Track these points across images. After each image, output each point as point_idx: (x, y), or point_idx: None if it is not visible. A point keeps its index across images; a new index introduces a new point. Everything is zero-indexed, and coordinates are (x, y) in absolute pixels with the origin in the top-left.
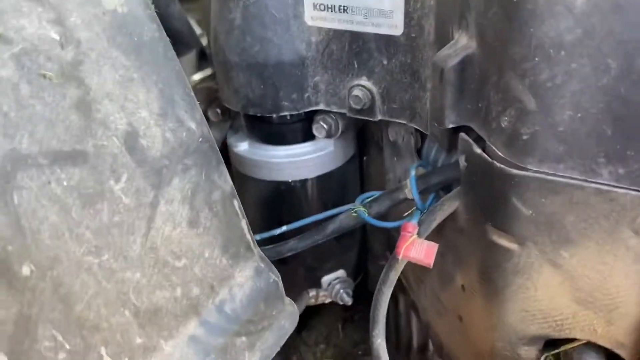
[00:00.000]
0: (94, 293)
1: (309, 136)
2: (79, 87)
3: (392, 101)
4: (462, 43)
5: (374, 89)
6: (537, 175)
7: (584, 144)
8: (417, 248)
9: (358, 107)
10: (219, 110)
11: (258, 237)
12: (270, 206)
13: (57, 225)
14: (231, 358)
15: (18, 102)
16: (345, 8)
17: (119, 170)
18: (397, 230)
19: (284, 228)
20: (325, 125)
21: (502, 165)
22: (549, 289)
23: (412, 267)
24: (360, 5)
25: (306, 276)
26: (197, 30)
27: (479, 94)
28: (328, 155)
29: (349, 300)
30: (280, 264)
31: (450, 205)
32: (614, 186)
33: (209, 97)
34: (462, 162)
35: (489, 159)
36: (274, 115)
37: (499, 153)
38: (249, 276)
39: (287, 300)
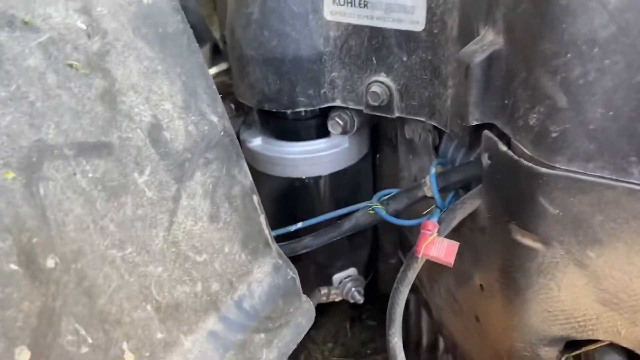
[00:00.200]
0: (117, 287)
1: (323, 133)
2: (104, 77)
3: (410, 98)
4: (489, 39)
5: (393, 86)
6: (566, 174)
7: (615, 143)
8: (437, 247)
9: (376, 103)
10: (232, 106)
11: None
12: (283, 203)
13: (82, 217)
14: (249, 355)
15: (45, 92)
16: (366, 3)
17: (143, 163)
18: (410, 229)
19: (300, 225)
20: (340, 122)
21: (529, 164)
22: (573, 290)
23: (426, 266)
24: (381, 0)
25: (317, 274)
26: None
27: (505, 91)
28: (343, 152)
29: (360, 299)
30: (292, 261)
31: (471, 203)
32: None
33: (223, 92)
34: (486, 160)
35: (515, 157)
36: (289, 111)
37: (526, 151)
38: (267, 272)
39: (304, 297)
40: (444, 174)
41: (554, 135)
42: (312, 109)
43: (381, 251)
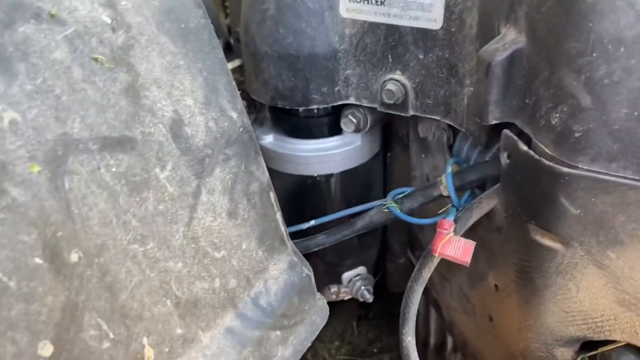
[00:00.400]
0: (138, 282)
1: (335, 130)
2: (128, 72)
3: (426, 96)
4: (511, 37)
5: (408, 84)
6: (588, 174)
7: (639, 143)
8: (453, 246)
9: (391, 101)
10: (244, 103)
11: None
12: (294, 200)
13: (106, 212)
14: (265, 352)
15: (70, 86)
16: (382, 0)
17: (165, 158)
18: (421, 228)
19: (313, 222)
20: (354, 120)
21: (550, 163)
22: (591, 290)
23: (437, 266)
24: None
25: (327, 272)
26: None
27: (527, 90)
28: (355, 150)
29: (370, 298)
30: None
31: (488, 202)
32: None
33: None
34: (504, 159)
35: (536, 157)
36: (301, 109)
37: (547, 150)
38: (283, 269)
39: (318, 295)
40: (460, 172)
41: (577, 135)
42: (326, 106)
43: (389, 251)
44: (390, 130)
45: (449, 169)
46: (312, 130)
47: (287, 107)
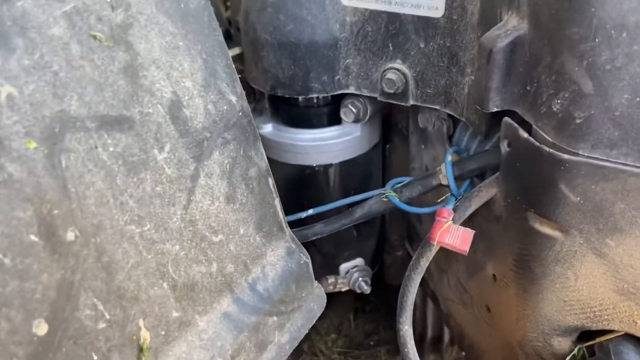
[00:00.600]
0: (135, 263)
1: (335, 120)
2: (127, 51)
3: (426, 86)
4: (513, 24)
5: (409, 73)
6: (589, 160)
7: None
8: (452, 234)
9: (391, 90)
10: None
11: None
12: (293, 190)
13: (102, 191)
14: (262, 337)
15: (68, 62)
16: None
17: (163, 139)
18: (419, 219)
19: (311, 211)
20: (354, 109)
21: (551, 150)
22: (590, 279)
23: (435, 257)
24: None
25: (324, 263)
26: None
27: (528, 77)
28: (354, 141)
29: (367, 289)
30: None
31: (487, 191)
32: None
33: None
34: (505, 147)
35: (537, 144)
36: (301, 98)
37: (548, 138)
38: (280, 256)
39: (315, 283)
40: (460, 162)
41: (578, 121)
42: (325, 95)
43: (388, 243)
44: (390, 121)
45: (449, 158)
46: (312, 120)
47: (287, 96)
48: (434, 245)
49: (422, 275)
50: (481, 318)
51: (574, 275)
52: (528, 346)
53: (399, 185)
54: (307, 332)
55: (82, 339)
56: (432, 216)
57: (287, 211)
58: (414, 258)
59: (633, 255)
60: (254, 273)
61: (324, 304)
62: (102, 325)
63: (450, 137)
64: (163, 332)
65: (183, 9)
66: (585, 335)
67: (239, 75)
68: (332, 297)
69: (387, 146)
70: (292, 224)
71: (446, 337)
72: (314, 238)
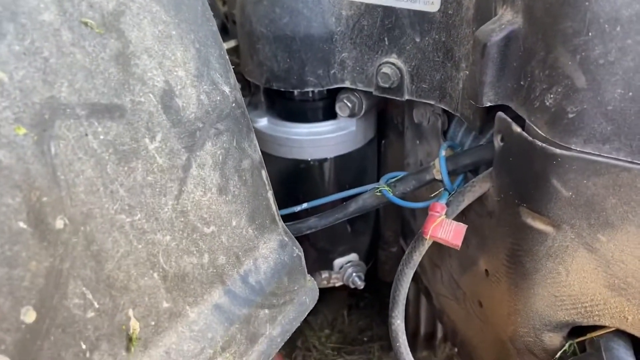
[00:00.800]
0: (125, 252)
1: (330, 115)
2: (119, 39)
3: (421, 80)
4: (507, 18)
5: (404, 67)
6: (581, 155)
7: (633, 124)
8: (445, 229)
9: (386, 85)
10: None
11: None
12: (287, 184)
13: (92, 179)
14: (253, 329)
15: (59, 49)
16: None
17: (154, 129)
18: (414, 215)
19: (305, 205)
20: (349, 104)
21: (543, 145)
22: (581, 274)
23: (428, 253)
24: None
25: (318, 258)
26: None
27: (522, 72)
28: (349, 135)
29: (361, 284)
30: None
31: (480, 186)
32: None
33: None
34: (498, 142)
35: (529, 138)
36: (296, 92)
37: (540, 132)
38: (273, 249)
39: (308, 276)
40: (454, 157)
41: (570, 116)
42: (321, 89)
43: (382, 239)
44: (385, 117)
45: (443, 153)
46: (307, 114)
47: (282, 89)
48: (426, 239)
49: (414, 269)
50: (473, 313)
51: (565, 271)
52: (519, 341)
53: (393, 179)
54: (299, 325)
55: (70, 327)
56: (426, 212)
57: (282, 205)
58: (406, 252)
59: (624, 250)
60: (245, 265)
61: (317, 298)
62: (91, 314)
63: (444, 133)
64: (153, 323)
65: None
66: (576, 331)
67: (234, 68)
68: (325, 292)
69: (382, 141)
70: (286, 218)
71: (439, 334)
72: (308, 232)
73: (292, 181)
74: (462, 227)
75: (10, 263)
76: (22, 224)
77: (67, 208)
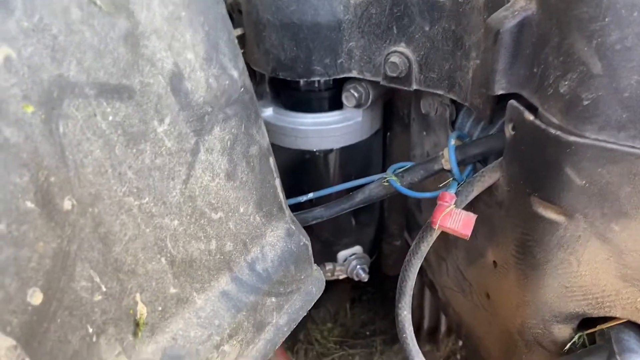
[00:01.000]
0: (133, 236)
1: (336, 105)
2: (128, 18)
3: (430, 70)
4: (520, 4)
5: (412, 57)
6: (596, 143)
7: None
8: (454, 218)
9: (394, 74)
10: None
11: None
12: (292, 175)
13: (101, 161)
14: (260, 317)
15: (68, 26)
16: None
17: (163, 111)
18: (419, 208)
19: (311, 195)
20: (355, 94)
21: (557, 132)
22: (593, 264)
23: (434, 246)
24: None
25: (322, 250)
26: None
27: (535, 59)
28: (355, 126)
29: (365, 277)
30: None
31: (490, 176)
32: None
33: None
34: (509, 130)
35: (543, 126)
36: (302, 82)
37: (554, 120)
38: (280, 237)
39: (315, 266)
40: (463, 146)
41: (585, 103)
42: (327, 79)
43: (386, 232)
44: (391, 109)
45: (452, 142)
46: (313, 104)
47: (288, 79)
48: (435, 229)
49: (422, 260)
50: (480, 306)
51: (577, 261)
52: (528, 333)
53: (400, 170)
54: (305, 314)
55: (77, 310)
56: (432, 204)
57: (286, 196)
58: (414, 242)
59: (638, 240)
60: (253, 253)
61: (323, 287)
62: (98, 297)
63: (452, 123)
64: (160, 308)
65: None
66: (586, 322)
67: None
68: (328, 286)
69: (388, 134)
70: (292, 208)
71: (442, 328)
72: (314, 222)
73: (297, 172)
74: (472, 217)
75: (17, 243)
76: (29, 204)
77: (75, 189)
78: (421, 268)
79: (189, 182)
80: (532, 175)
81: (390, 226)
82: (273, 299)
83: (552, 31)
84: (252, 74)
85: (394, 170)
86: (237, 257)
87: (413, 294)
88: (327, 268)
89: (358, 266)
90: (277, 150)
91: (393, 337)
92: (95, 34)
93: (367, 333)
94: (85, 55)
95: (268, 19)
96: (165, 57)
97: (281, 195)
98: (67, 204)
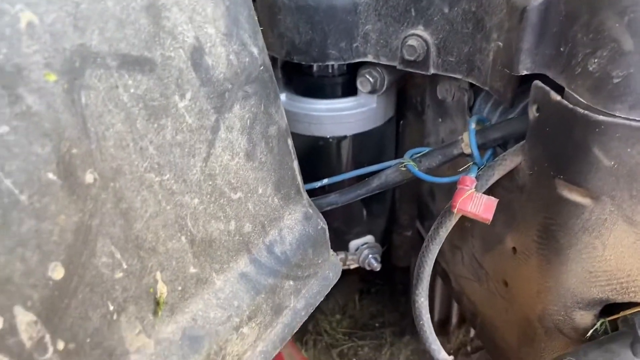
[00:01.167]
0: (154, 213)
1: (350, 92)
2: None
3: (448, 53)
4: None
5: (430, 40)
6: (626, 122)
7: None
8: (474, 202)
9: (411, 58)
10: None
11: None
12: (305, 162)
13: (122, 134)
14: (279, 300)
15: None
16: None
17: (184, 86)
18: (432, 196)
19: (326, 181)
20: (371, 79)
21: (585, 112)
22: (619, 248)
23: (448, 235)
24: None
25: (334, 239)
26: None
27: (562, 37)
28: (369, 112)
29: (377, 266)
30: None
31: (512, 160)
32: None
33: None
34: (533, 112)
35: (570, 106)
36: (316, 67)
37: (582, 100)
38: (298, 220)
39: (331, 251)
40: (483, 130)
41: (615, 81)
42: (342, 63)
43: (397, 223)
44: (404, 97)
45: (472, 125)
46: (326, 90)
47: (303, 63)
48: (454, 214)
49: (440, 245)
50: (497, 294)
51: (602, 245)
52: (548, 320)
53: (418, 155)
54: (322, 299)
55: (98, 287)
56: (447, 192)
57: None
58: (432, 228)
59: None
60: (271, 235)
61: (340, 273)
62: (119, 274)
63: (470, 109)
64: (180, 288)
65: None
66: (608, 309)
67: None
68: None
69: (401, 122)
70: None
71: (454, 319)
72: (328, 208)
73: (310, 158)
74: (493, 201)
75: (38, 215)
76: (51, 175)
77: (97, 162)
78: None
79: (209, 160)
80: (557, 157)
81: (401, 217)
82: (291, 282)
83: (581, 8)
84: None
85: (412, 156)
86: (255, 238)
87: None
88: (339, 257)
89: (370, 255)
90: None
91: (402, 329)
92: (117, 3)
93: (376, 325)
94: (108, 25)
95: (283, 2)
96: (186, 30)
97: (299, 177)
98: (89, 177)
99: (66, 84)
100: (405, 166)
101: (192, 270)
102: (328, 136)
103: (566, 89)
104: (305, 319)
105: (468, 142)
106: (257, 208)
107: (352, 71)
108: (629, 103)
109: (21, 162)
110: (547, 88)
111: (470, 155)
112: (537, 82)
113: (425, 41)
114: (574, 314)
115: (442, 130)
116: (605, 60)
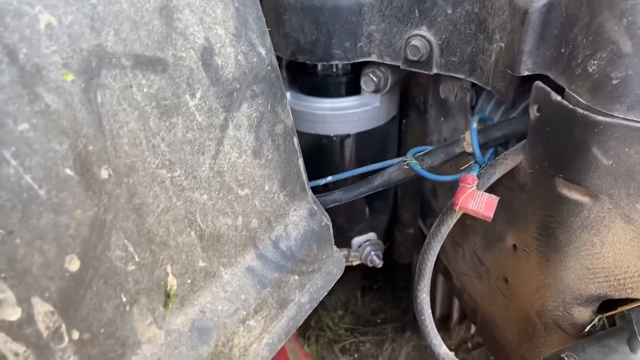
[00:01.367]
0: (165, 208)
1: (353, 91)
2: None
3: (451, 54)
4: None
5: (434, 40)
6: (624, 122)
7: None
8: (476, 200)
9: (415, 58)
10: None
11: None
12: (309, 160)
13: (136, 132)
14: (284, 294)
15: None
16: None
17: (195, 85)
18: (434, 194)
19: (330, 178)
20: (374, 78)
21: (585, 112)
22: (616, 245)
23: (449, 232)
24: None
25: (337, 236)
26: None
27: (563, 39)
28: (373, 111)
29: (379, 263)
30: None
31: (513, 159)
32: None
33: None
34: (534, 112)
35: (570, 106)
36: (320, 66)
37: (582, 100)
38: (303, 216)
39: (335, 247)
40: (485, 129)
41: (614, 82)
42: (347, 63)
43: (399, 220)
44: (407, 96)
45: (474, 125)
46: (330, 89)
47: (308, 62)
48: (456, 211)
49: (441, 243)
50: (497, 290)
51: (600, 242)
52: (547, 316)
53: (421, 153)
54: (326, 294)
55: (112, 279)
56: (449, 190)
57: None
58: (434, 225)
59: None
60: (277, 231)
61: (343, 268)
62: (131, 267)
63: (472, 108)
64: (189, 281)
65: None
66: (606, 305)
67: None
68: None
69: (403, 121)
70: None
71: (455, 316)
72: (332, 205)
73: (314, 156)
74: (494, 199)
75: (56, 209)
76: (68, 171)
77: (112, 159)
78: None
79: (217, 158)
80: (557, 156)
81: (403, 214)
82: (296, 277)
83: (581, 11)
84: None
85: (414, 154)
86: (262, 234)
87: None
88: (342, 254)
89: (372, 252)
90: None
91: (404, 325)
92: (131, 4)
93: (378, 321)
94: (123, 26)
95: (289, 2)
96: (197, 31)
97: (304, 175)
98: (104, 173)
99: (83, 83)
100: (407, 164)
101: (201, 264)
102: (332, 134)
103: (566, 89)
104: (310, 313)
105: (470, 141)
106: (264, 204)
107: (356, 71)
108: (627, 104)
109: (40, 158)
110: (548, 88)
111: (472, 154)
112: (538, 83)
113: (429, 41)
114: (572, 310)
115: (445, 129)
116: (605, 62)
